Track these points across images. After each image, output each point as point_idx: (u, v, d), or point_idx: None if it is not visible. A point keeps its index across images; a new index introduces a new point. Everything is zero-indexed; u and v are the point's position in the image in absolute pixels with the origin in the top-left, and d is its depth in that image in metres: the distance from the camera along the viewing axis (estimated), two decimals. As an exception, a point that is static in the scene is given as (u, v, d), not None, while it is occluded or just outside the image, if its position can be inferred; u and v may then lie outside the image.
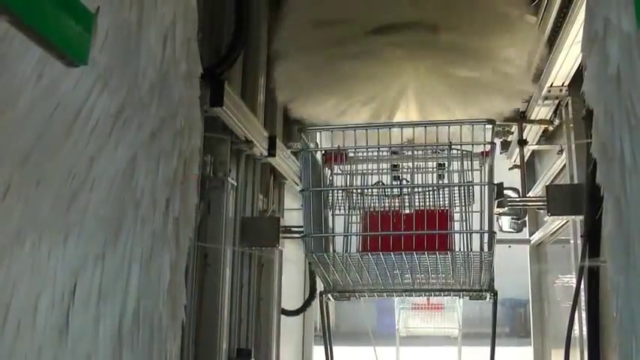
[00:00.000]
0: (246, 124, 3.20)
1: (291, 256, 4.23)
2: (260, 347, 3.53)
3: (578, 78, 3.48)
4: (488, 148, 2.47)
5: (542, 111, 4.13)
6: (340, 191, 2.58)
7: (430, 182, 2.52)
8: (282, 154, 3.87)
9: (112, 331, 1.47)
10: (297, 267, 4.31)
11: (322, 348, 3.19)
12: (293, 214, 4.32)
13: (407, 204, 2.52)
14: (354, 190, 2.60)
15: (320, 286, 3.02)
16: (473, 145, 2.50)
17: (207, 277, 2.79)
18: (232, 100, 2.93)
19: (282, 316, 3.95)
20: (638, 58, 1.37)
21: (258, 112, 3.68)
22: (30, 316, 1.46)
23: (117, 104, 1.53)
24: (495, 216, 3.41)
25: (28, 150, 1.51)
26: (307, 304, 4.36)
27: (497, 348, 3.09)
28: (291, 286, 4.26)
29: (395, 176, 2.65)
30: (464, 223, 2.42)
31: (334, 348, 3.23)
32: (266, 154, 3.63)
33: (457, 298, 7.73)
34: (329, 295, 2.94)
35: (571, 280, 3.56)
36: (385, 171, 2.71)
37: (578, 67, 3.30)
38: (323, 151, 2.64)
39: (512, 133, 4.73)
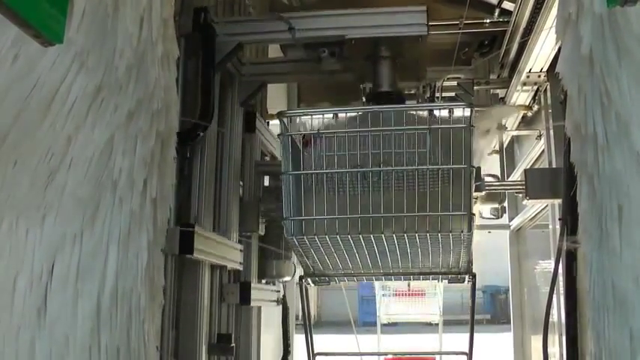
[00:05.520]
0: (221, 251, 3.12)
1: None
2: (240, 333, 3.54)
3: (556, 64, 3.50)
4: (467, 131, 2.48)
5: (521, 97, 4.15)
6: (320, 174, 2.58)
7: (410, 165, 2.52)
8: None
9: (89, 311, 1.47)
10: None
11: (303, 336, 3.20)
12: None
13: (387, 186, 2.53)
14: (334, 173, 2.60)
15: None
16: (452, 128, 2.51)
17: (187, 261, 2.77)
18: (203, 242, 2.81)
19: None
20: (610, 38, 1.39)
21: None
22: (8, 296, 1.46)
23: (94, 84, 1.53)
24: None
25: (5, 130, 1.51)
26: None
27: (478, 334, 3.12)
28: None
29: (375, 159, 2.66)
30: (443, 205, 2.43)
31: (317, 337, 3.23)
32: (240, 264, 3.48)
33: (437, 283, 7.78)
34: (309, 280, 2.94)
35: (550, 265, 3.58)
36: (365, 154, 2.72)
37: (557, 53, 3.32)
38: (302, 135, 2.64)
39: (492, 118, 4.75)
